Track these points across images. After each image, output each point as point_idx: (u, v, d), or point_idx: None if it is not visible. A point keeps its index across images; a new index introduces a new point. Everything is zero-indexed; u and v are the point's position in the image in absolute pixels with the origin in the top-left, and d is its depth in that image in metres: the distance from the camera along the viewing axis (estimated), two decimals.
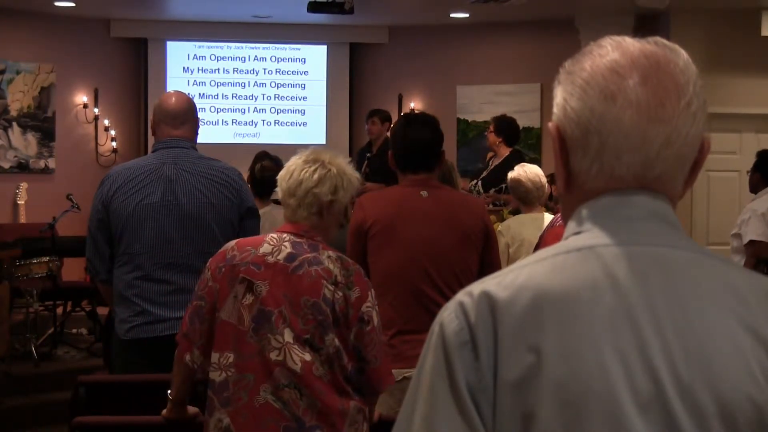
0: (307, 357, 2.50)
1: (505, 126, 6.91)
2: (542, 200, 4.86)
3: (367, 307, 2.58)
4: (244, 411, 2.49)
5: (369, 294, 2.60)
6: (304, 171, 2.63)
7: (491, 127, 6.81)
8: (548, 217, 4.61)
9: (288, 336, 2.50)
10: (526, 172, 4.77)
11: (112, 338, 3.50)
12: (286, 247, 2.59)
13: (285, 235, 2.62)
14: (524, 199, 4.79)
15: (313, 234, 2.63)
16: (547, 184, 4.78)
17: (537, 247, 3.45)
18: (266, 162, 5.22)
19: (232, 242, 2.66)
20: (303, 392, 2.49)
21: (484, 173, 6.62)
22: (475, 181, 6.67)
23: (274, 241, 2.61)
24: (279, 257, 2.57)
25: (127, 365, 3.33)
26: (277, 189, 2.71)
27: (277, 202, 5.27)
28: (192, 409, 2.78)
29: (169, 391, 2.74)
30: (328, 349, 2.51)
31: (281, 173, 2.68)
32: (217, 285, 2.57)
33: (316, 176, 2.62)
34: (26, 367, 6.17)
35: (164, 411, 2.76)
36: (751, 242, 5.48)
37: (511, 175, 4.85)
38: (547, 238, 3.56)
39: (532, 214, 4.72)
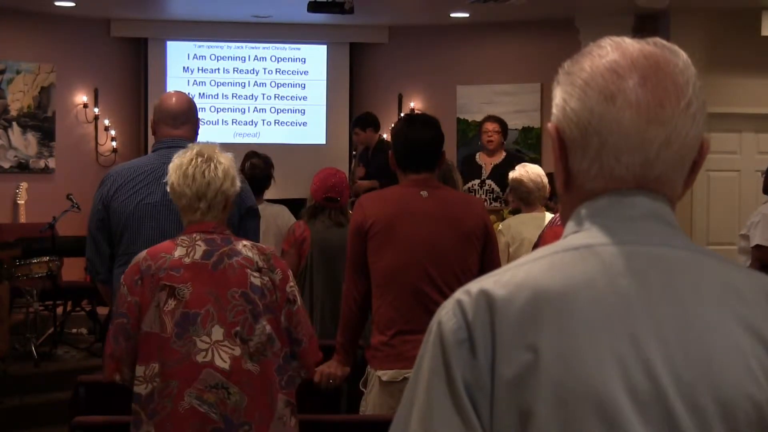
0: (237, 351, 2.49)
1: (506, 125, 6.93)
2: (543, 200, 4.86)
3: (291, 287, 2.63)
4: (169, 419, 2.47)
5: (289, 273, 2.64)
6: (205, 171, 2.60)
7: (498, 127, 6.77)
8: (549, 216, 4.61)
9: (217, 334, 2.49)
10: (528, 172, 4.77)
11: None
12: (200, 246, 2.58)
13: (195, 234, 2.61)
14: (526, 199, 4.79)
15: (221, 228, 2.64)
16: (547, 184, 4.78)
17: (536, 246, 3.45)
18: (255, 159, 5.22)
19: (143, 253, 2.63)
20: (231, 390, 2.48)
21: (487, 175, 6.60)
22: (478, 181, 6.65)
23: (185, 242, 2.59)
24: (195, 257, 2.56)
25: None
26: (171, 194, 2.67)
27: (270, 200, 5.28)
28: None
29: None
30: (258, 338, 2.52)
31: (173, 179, 2.63)
32: (136, 298, 2.54)
33: (220, 174, 2.62)
34: (26, 367, 6.17)
35: None
36: (758, 246, 5.47)
37: (512, 175, 4.85)
38: (546, 237, 3.56)
39: (532, 214, 4.72)
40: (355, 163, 7.73)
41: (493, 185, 6.51)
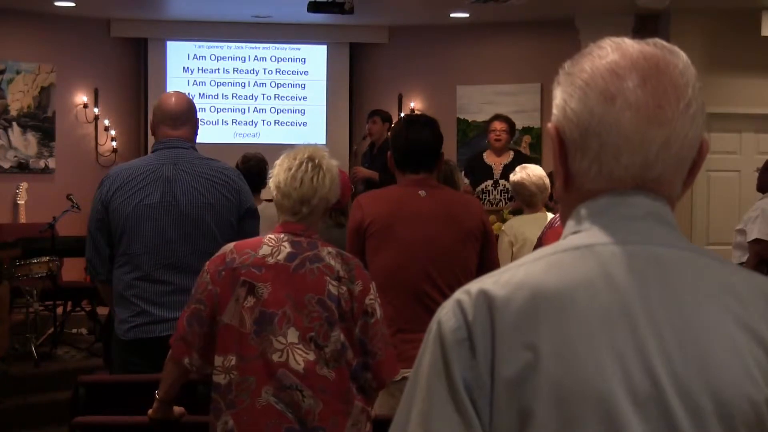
0: (311, 356, 2.50)
1: (514, 124, 6.88)
2: (544, 200, 4.86)
3: (370, 299, 2.60)
4: (247, 413, 2.49)
5: (371, 286, 2.62)
6: (314, 177, 2.61)
7: (506, 126, 6.72)
8: (550, 216, 4.61)
9: (292, 336, 2.50)
10: (530, 175, 4.77)
11: (112, 338, 3.51)
12: (285, 247, 2.59)
13: (283, 235, 2.62)
14: (528, 201, 4.79)
15: (310, 232, 2.64)
16: (549, 185, 4.77)
17: (537, 247, 3.45)
18: (247, 154, 5.23)
19: (230, 245, 2.65)
20: (305, 393, 2.49)
21: (499, 175, 6.58)
22: (491, 181, 6.62)
23: (272, 242, 2.60)
24: (279, 258, 2.57)
25: (127, 365, 3.33)
26: (275, 193, 2.66)
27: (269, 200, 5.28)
28: (178, 410, 2.78)
29: (157, 391, 2.74)
30: (333, 345, 2.52)
31: (282, 178, 2.63)
32: (217, 289, 2.56)
33: (327, 182, 2.62)
34: (26, 367, 6.17)
35: (150, 411, 2.76)
36: (756, 240, 5.47)
37: (513, 178, 4.84)
38: (546, 238, 3.56)
39: (535, 215, 4.72)
40: (359, 154, 7.76)
41: (508, 185, 6.47)
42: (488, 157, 6.73)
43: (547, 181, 4.76)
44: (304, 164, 2.63)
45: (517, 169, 4.90)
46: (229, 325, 2.54)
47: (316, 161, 2.64)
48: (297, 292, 2.53)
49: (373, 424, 2.70)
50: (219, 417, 2.54)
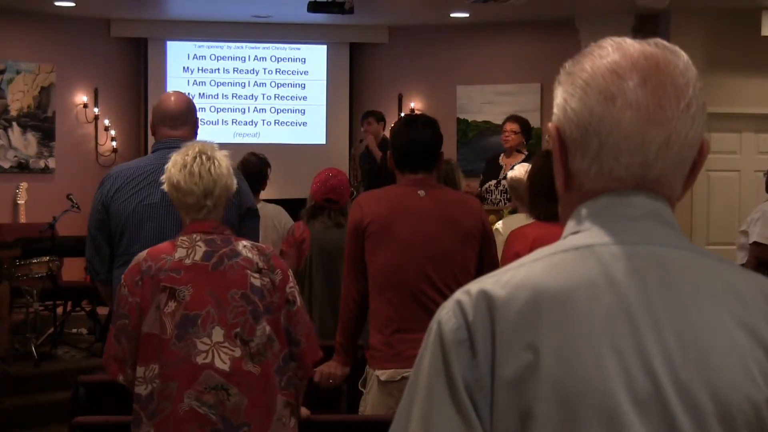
0: (237, 353, 2.49)
1: (528, 126, 6.85)
2: None
3: (290, 287, 2.62)
4: (169, 420, 2.47)
5: (289, 274, 2.64)
6: (211, 168, 2.60)
7: (517, 128, 6.70)
8: None
9: (217, 335, 2.49)
10: (526, 173, 4.76)
11: None
12: (200, 247, 2.57)
13: (195, 235, 2.60)
14: (523, 200, 4.78)
15: (221, 228, 2.64)
16: None
17: (505, 248, 3.43)
18: (248, 156, 5.22)
19: (143, 253, 2.62)
20: (230, 392, 2.48)
21: (504, 175, 6.56)
22: (494, 182, 6.62)
23: (186, 243, 2.59)
24: (196, 258, 2.55)
25: None
26: (174, 194, 2.63)
27: (267, 200, 5.28)
28: None
29: None
30: (259, 339, 2.52)
31: (179, 177, 2.61)
32: (137, 299, 2.53)
33: (224, 170, 2.62)
34: (26, 367, 6.17)
35: None
36: (756, 244, 5.47)
37: (511, 174, 4.83)
38: (509, 240, 3.51)
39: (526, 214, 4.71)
40: (356, 156, 7.80)
41: (508, 186, 6.47)
42: (503, 158, 6.73)
43: None
44: (198, 158, 2.62)
45: (516, 167, 4.89)
46: (149, 334, 2.51)
47: (208, 153, 2.63)
48: (219, 289, 2.52)
49: (373, 423, 2.70)
50: (140, 428, 2.51)
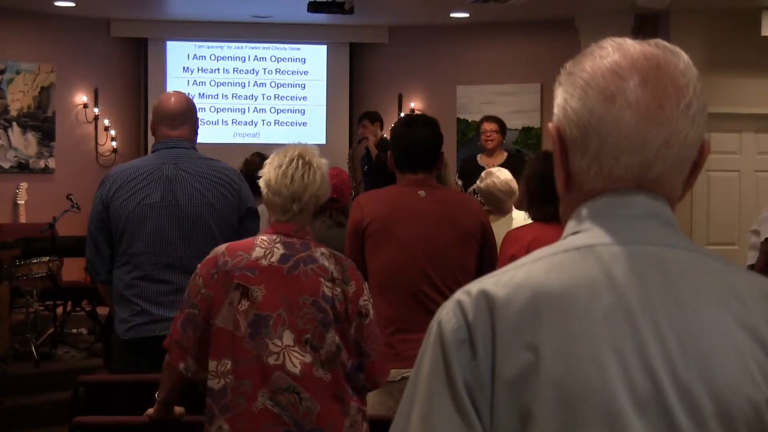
0: (307, 359, 2.49)
1: (505, 125, 6.90)
2: (513, 201, 4.82)
3: (364, 300, 2.60)
4: (243, 417, 2.49)
5: (364, 287, 2.62)
6: (304, 174, 2.60)
7: (496, 127, 6.73)
8: (517, 214, 4.59)
9: (287, 339, 2.50)
10: (495, 182, 4.75)
11: (112, 338, 3.51)
12: (278, 249, 2.57)
13: (275, 236, 2.60)
14: (498, 207, 4.78)
15: (303, 233, 2.63)
16: (516, 189, 4.69)
17: (501, 249, 3.42)
18: (249, 156, 5.21)
19: (222, 247, 2.63)
20: (302, 396, 2.48)
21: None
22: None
23: (265, 243, 2.59)
24: (272, 260, 2.55)
25: (127, 365, 3.33)
26: (266, 191, 2.65)
27: None
28: (178, 409, 2.78)
29: (156, 393, 2.73)
30: (328, 347, 2.51)
31: (272, 175, 2.62)
32: (210, 292, 2.54)
33: (318, 179, 2.62)
34: (26, 367, 6.17)
35: (150, 410, 2.76)
36: (767, 241, 5.45)
37: (479, 185, 4.83)
38: (505, 242, 3.50)
39: (504, 218, 4.71)
40: (355, 158, 7.79)
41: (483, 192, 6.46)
42: (482, 159, 6.74)
43: (514, 184, 4.71)
44: (295, 161, 2.62)
45: (483, 174, 4.87)
46: (223, 329, 2.52)
47: (306, 159, 2.63)
48: (291, 293, 2.52)
49: (373, 424, 2.70)
50: (212, 422, 2.53)
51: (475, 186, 6.58)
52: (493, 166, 6.60)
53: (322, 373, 2.51)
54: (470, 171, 6.73)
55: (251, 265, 2.55)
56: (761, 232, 5.49)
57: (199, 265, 2.63)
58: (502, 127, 6.80)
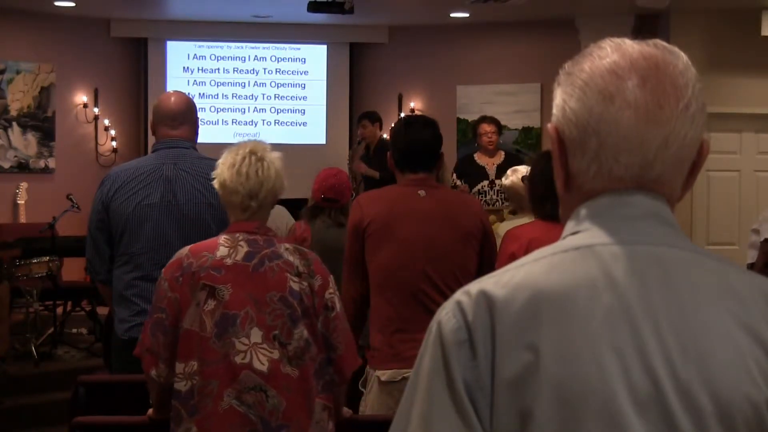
0: (275, 355, 2.49)
1: (500, 125, 6.95)
2: None
3: (330, 293, 2.60)
4: (210, 418, 2.47)
5: (330, 280, 2.62)
6: (258, 170, 2.59)
7: (494, 128, 6.79)
8: None
9: (255, 336, 2.49)
10: (519, 179, 4.76)
11: (112, 338, 3.51)
12: (242, 247, 2.56)
13: (238, 234, 2.59)
14: (521, 204, 4.78)
15: (265, 229, 2.62)
16: None
17: (501, 247, 3.43)
18: None
19: (185, 249, 2.61)
20: (269, 393, 2.47)
21: (494, 175, 6.59)
22: (487, 182, 6.63)
23: (228, 242, 2.58)
24: (237, 258, 2.54)
25: (127, 365, 3.32)
26: (221, 192, 2.63)
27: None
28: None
29: (150, 399, 2.73)
30: (296, 342, 2.51)
31: (226, 175, 2.60)
32: (176, 295, 2.53)
33: (273, 174, 2.60)
34: (26, 367, 6.17)
35: (150, 411, 2.76)
36: (767, 241, 5.44)
37: (504, 182, 4.84)
38: (504, 243, 3.51)
39: (530, 215, 4.71)
40: (355, 158, 7.79)
41: (506, 193, 6.46)
42: (480, 158, 6.79)
43: None
44: (247, 158, 2.60)
45: (508, 172, 4.89)
46: (189, 330, 2.50)
47: (259, 154, 2.62)
48: (258, 290, 2.51)
49: (373, 424, 2.70)
50: (180, 424, 2.51)
51: (483, 184, 6.61)
52: (492, 165, 6.66)
53: (290, 369, 2.50)
54: (469, 170, 6.75)
55: (216, 265, 2.53)
56: (761, 232, 5.49)
57: (163, 269, 2.61)
58: (499, 127, 6.88)
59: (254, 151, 2.62)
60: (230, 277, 2.52)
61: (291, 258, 2.57)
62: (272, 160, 2.64)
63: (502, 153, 6.84)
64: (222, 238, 2.60)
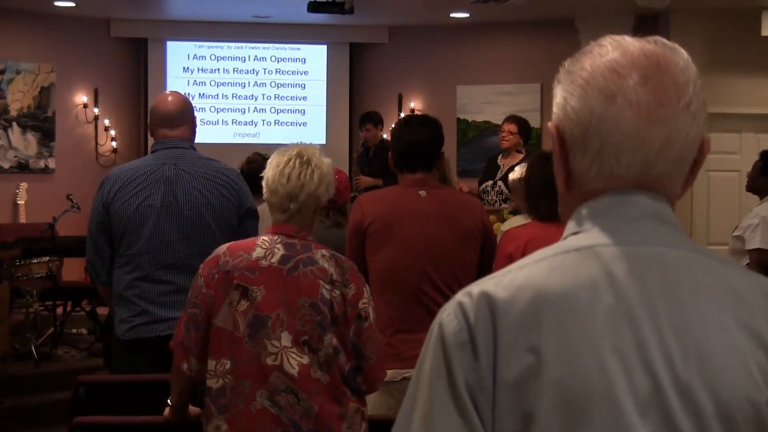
0: (305, 360, 2.49)
1: (527, 126, 6.83)
2: None
3: (364, 303, 2.58)
4: (241, 417, 2.48)
5: (364, 290, 2.60)
6: (301, 173, 2.59)
7: (514, 128, 6.68)
8: None
9: (285, 340, 2.49)
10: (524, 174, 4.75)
11: (112, 338, 3.50)
12: (279, 250, 2.57)
13: (276, 237, 2.59)
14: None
15: (304, 234, 2.62)
16: None
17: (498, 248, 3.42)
18: (251, 155, 5.21)
19: (224, 247, 2.62)
20: (299, 396, 2.48)
21: (500, 175, 6.55)
22: (491, 182, 6.61)
23: (266, 244, 2.58)
24: (273, 260, 2.55)
25: (127, 365, 3.33)
26: (265, 190, 2.64)
27: None
28: (194, 410, 2.77)
29: (169, 398, 2.73)
30: (326, 349, 2.51)
31: (270, 174, 2.61)
32: (211, 292, 2.54)
33: (316, 178, 2.60)
34: (26, 367, 6.17)
35: (166, 412, 2.76)
36: (758, 250, 5.42)
37: (513, 176, 4.82)
38: (502, 242, 3.51)
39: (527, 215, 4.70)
40: (356, 169, 7.78)
41: (503, 187, 6.42)
42: (501, 159, 6.71)
43: None
44: (293, 161, 2.60)
45: (517, 168, 4.88)
46: (222, 329, 2.52)
47: (305, 158, 2.61)
48: (290, 295, 2.51)
49: (373, 424, 2.70)
50: (210, 421, 2.53)
51: (487, 184, 6.59)
52: (507, 166, 6.58)
53: (320, 374, 2.50)
54: (492, 171, 6.71)
55: (251, 266, 2.54)
56: (747, 240, 5.45)
57: (201, 265, 2.62)
58: (521, 127, 6.69)
59: (301, 154, 2.62)
60: (263, 279, 2.52)
61: (326, 265, 2.56)
62: (318, 165, 2.62)
63: (520, 156, 6.69)
64: (260, 239, 2.60)
